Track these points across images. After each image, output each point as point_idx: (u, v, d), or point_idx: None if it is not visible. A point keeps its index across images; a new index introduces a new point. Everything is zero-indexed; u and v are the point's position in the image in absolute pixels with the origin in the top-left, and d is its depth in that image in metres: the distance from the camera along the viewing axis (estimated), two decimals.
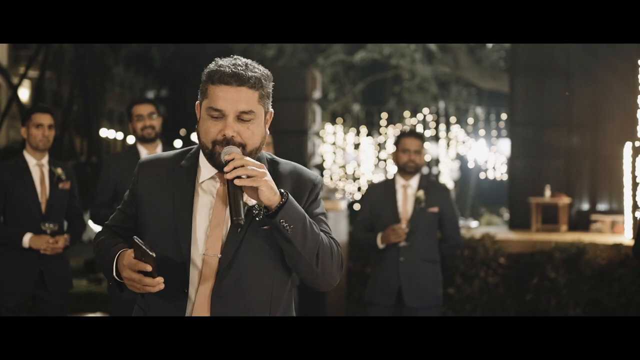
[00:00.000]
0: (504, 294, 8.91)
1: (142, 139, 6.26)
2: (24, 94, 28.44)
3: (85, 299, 10.86)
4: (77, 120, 28.85)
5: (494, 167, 19.21)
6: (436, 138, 18.91)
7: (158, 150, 6.30)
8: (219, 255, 2.86)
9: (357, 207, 15.34)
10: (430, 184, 6.28)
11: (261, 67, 2.94)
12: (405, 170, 6.14)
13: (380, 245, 6.03)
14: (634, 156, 10.15)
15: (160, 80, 32.91)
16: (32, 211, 5.85)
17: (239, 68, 2.87)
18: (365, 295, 6.29)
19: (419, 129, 17.76)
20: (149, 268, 2.71)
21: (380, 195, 6.23)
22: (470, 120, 19.24)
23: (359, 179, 18.24)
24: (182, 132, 32.42)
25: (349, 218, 9.56)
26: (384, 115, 18.20)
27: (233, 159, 2.74)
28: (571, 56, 12.13)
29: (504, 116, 18.46)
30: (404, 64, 16.97)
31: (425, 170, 17.09)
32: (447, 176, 18.80)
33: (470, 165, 19.87)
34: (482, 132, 19.20)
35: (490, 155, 19.13)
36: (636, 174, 10.11)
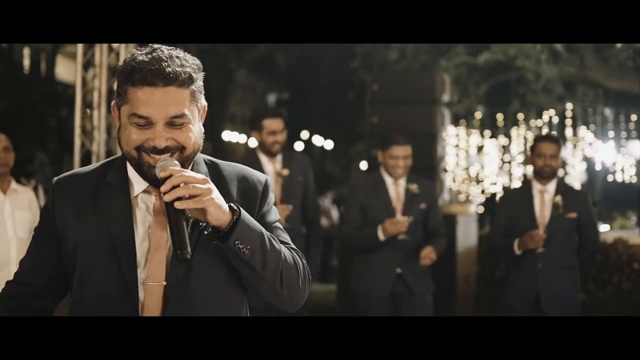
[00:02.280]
0: (638, 300, 8.70)
1: (268, 152, 6.35)
2: None
3: None
4: None
5: (622, 170, 18.74)
6: (562, 140, 18.58)
7: (278, 161, 6.39)
8: (164, 283, 2.43)
9: (480, 210, 15.20)
10: (567, 188, 6.20)
11: (189, 57, 2.45)
12: (542, 175, 6.05)
13: (517, 252, 5.96)
14: None
15: (282, 83, 33.31)
16: None
17: (164, 63, 2.36)
18: (503, 302, 6.24)
19: (544, 131, 17.47)
20: None
21: (516, 201, 6.17)
22: (598, 122, 18.82)
23: (482, 181, 18.07)
24: (304, 135, 32.69)
25: (478, 222, 9.49)
26: (508, 117, 17.96)
27: (170, 176, 2.30)
28: None
29: (633, 117, 17.99)
30: (528, 65, 16.72)
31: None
32: (575, 179, 18.45)
33: (598, 167, 19.45)
34: (610, 133, 18.75)
35: (618, 157, 18.67)
36: None
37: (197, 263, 2.41)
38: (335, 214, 15.85)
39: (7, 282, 2.58)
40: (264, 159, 6.35)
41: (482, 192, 17.50)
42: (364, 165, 15.77)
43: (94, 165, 2.62)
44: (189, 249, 2.26)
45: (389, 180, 6.23)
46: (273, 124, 6.29)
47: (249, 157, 6.55)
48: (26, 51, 28.68)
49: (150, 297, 2.42)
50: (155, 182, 2.40)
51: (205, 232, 2.36)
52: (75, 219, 2.48)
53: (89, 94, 7.17)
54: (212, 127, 28.12)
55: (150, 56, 2.37)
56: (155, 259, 2.43)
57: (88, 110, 7.15)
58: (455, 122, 17.87)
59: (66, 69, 25.79)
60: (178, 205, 2.27)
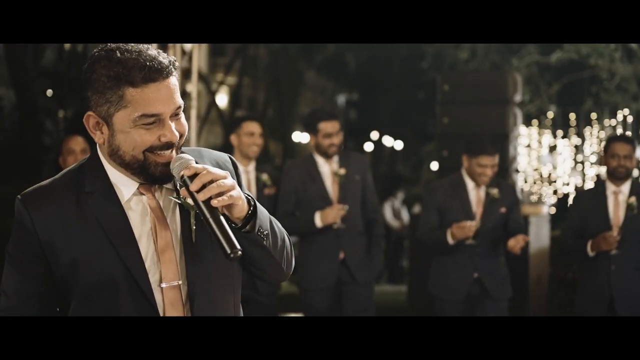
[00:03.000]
0: None
1: (324, 154, 6.33)
2: (222, 100, 29.52)
3: (290, 299, 11.13)
4: (271, 125, 29.67)
5: None
6: (637, 140, 18.21)
7: (334, 162, 6.38)
8: (180, 282, 2.37)
9: (552, 210, 15.03)
10: None
11: None
12: (616, 176, 5.97)
13: (591, 253, 5.87)
14: None
15: (351, 83, 33.33)
16: None
17: (156, 57, 2.29)
18: (575, 304, 6.16)
19: (619, 130, 17.26)
20: None
21: (590, 202, 6.08)
22: None
23: (554, 182, 17.87)
24: (374, 135, 32.66)
25: (551, 223, 9.39)
26: (581, 116, 17.72)
27: (196, 174, 2.24)
28: None
29: None
30: (602, 63, 16.48)
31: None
32: None
33: None
34: None
35: None
36: None
37: (206, 256, 2.38)
38: (405, 214, 15.80)
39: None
40: (320, 160, 6.35)
41: (555, 192, 17.32)
42: (434, 165, 15.72)
43: (58, 177, 2.44)
44: (238, 246, 2.19)
45: (470, 184, 6.16)
46: (329, 126, 6.26)
47: (306, 159, 6.55)
48: None
49: (169, 299, 2.36)
50: (161, 181, 2.37)
51: (202, 218, 2.30)
52: (65, 235, 2.33)
53: None
54: (282, 128, 28.25)
55: (134, 53, 2.28)
56: (166, 259, 2.37)
57: None
58: (527, 122, 17.72)
59: None
60: (214, 203, 2.21)
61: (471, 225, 5.84)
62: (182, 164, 2.28)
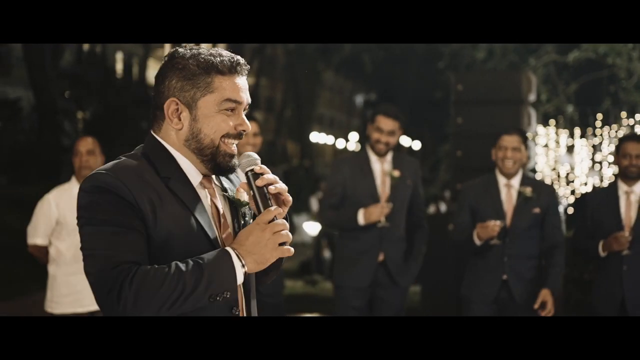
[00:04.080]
0: None
1: (373, 149, 6.32)
2: None
3: (301, 300, 11.17)
4: (289, 125, 29.70)
5: None
6: None
7: (387, 161, 6.39)
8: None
9: (570, 210, 14.99)
10: None
11: None
12: (627, 176, 5.93)
13: (602, 254, 5.84)
14: None
15: (369, 84, 33.31)
16: None
17: (237, 55, 2.57)
18: (588, 304, 6.12)
19: (637, 129, 17.20)
20: (282, 210, 2.51)
21: (601, 202, 6.03)
22: None
23: (572, 182, 17.81)
24: None
25: (567, 223, 9.37)
26: (599, 116, 17.69)
27: (262, 173, 2.50)
28: None
29: None
30: (620, 62, 16.44)
31: None
32: None
33: None
34: None
35: None
36: None
37: None
38: None
39: (127, 263, 2.36)
40: (372, 157, 6.33)
41: (572, 192, 17.27)
42: None
43: (129, 160, 2.53)
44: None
45: (502, 181, 6.08)
46: (383, 122, 6.23)
47: (358, 154, 6.56)
48: (119, 56, 29.32)
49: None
50: (223, 172, 2.60)
51: (247, 218, 2.66)
52: (160, 210, 2.44)
53: None
54: (300, 128, 28.30)
55: (218, 51, 2.55)
56: (228, 244, 2.52)
57: None
58: (545, 122, 17.68)
59: None
60: (286, 198, 2.51)
61: (494, 225, 5.75)
62: (251, 160, 2.52)
